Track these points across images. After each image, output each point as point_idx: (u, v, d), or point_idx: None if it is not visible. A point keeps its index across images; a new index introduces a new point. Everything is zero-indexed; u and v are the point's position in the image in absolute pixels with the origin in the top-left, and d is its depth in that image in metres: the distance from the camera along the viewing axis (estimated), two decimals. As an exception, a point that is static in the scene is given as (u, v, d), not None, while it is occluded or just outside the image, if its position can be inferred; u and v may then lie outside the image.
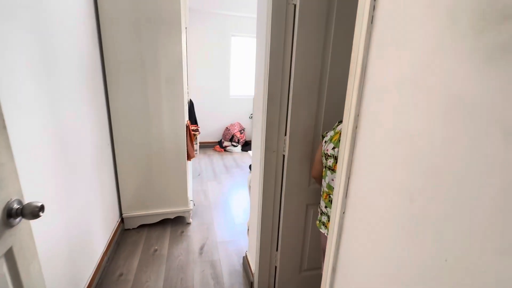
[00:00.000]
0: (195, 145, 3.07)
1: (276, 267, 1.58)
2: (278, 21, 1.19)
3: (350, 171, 0.60)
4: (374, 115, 0.52)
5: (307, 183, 1.41)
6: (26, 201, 0.71)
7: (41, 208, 0.69)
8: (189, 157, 2.45)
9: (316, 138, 1.34)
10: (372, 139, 0.52)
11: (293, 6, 1.18)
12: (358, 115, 0.57)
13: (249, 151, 2.36)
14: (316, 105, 1.29)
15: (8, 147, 0.66)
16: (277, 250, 1.54)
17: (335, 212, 0.67)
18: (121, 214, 2.14)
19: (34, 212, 0.69)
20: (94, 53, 1.68)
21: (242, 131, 4.85)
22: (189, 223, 2.32)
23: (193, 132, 2.97)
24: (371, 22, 0.52)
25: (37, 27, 1.04)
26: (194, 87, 4.48)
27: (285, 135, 1.34)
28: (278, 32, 1.20)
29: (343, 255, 0.64)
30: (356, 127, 0.57)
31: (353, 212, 0.60)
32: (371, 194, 0.53)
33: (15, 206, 0.67)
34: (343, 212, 0.63)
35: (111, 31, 1.75)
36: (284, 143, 1.35)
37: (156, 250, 1.95)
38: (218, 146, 4.79)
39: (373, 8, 0.51)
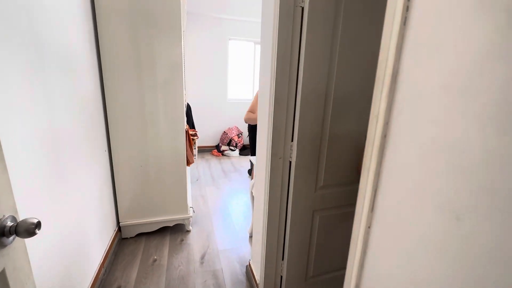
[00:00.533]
0: (194, 150, 3.01)
1: (281, 276, 1.53)
2: (285, 24, 1.15)
3: (377, 182, 0.56)
4: (407, 123, 0.48)
5: (313, 188, 1.36)
6: (20, 216, 0.65)
7: (38, 225, 0.63)
8: (188, 163, 2.38)
9: (323, 144, 1.30)
10: (406, 149, 0.48)
11: (300, 8, 1.15)
12: (387, 123, 0.53)
13: (249, 157, 2.32)
14: (323, 109, 1.25)
15: (1, 158, 0.60)
16: (282, 259, 1.49)
17: (358, 226, 0.62)
18: (118, 222, 2.06)
19: (30, 229, 0.62)
20: (91, 55, 1.62)
21: (240, 135, 4.80)
22: (188, 231, 2.25)
23: (191, 137, 2.91)
24: (404, 24, 0.48)
25: (30, 28, 0.98)
26: (191, 90, 4.42)
27: (292, 140, 1.30)
28: (285, 35, 1.16)
29: (369, 273, 0.60)
30: (385, 136, 0.53)
31: (381, 228, 0.56)
32: (404, 209, 0.49)
33: (9, 223, 0.60)
34: (368, 227, 0.59)
35: (108, 31, 1.70)
36: (291, 149, 1.31)
37: (155, 260, 1.87)
38: (215, 150, 4.73)
39: (406, 8, 0.47)
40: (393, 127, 0.52)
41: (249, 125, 2.81)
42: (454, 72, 0.40)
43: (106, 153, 1.86)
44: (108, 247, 1.78)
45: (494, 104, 0.35)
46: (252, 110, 2.40)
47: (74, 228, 1.31)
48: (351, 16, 1.15)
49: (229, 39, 4.53)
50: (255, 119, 2.48)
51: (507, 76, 0.33)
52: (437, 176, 0.43)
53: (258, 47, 4.82)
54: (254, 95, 2.43)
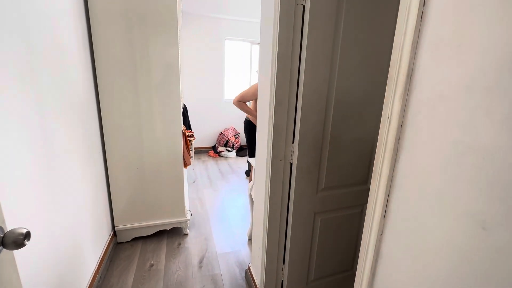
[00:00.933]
0: (191, 151, 2.96)
1: (282, 281, 1.50)
2: (286, 23, 1.12)
3: (390, 187, 0.53)
4: (425, 126, 0.45)
5: (315, 191, 1.34)
6: (8, 226, 0.61)
7: (27, 235, 0.59)
8: (185, 165, 2.34)
9: (325, 145, 1.27)
10: (425, 153, 0.45)
11: (301, 6, 1.12)
12: (401, 125, 0.50)
13: (247, 158, 2.29)
14: (324, 110, 1.23)
15: (-14, 165, 0.55)
16: (283, 263, 1.46)
17: (368, 233, 0.59)
18: (113, 227, 2.01)
19: (18, 240, 0.58)
20: (84, 55, 1.57)
21: (237, 135, 4.76)
22: (186, 234, 2.20)
23: (188, 138, 2.87)
24: (420, 20, 0.45)
25: (21, 28, 0.93)
26: (188, 91, 4.37)
27: (293, 142, 1.27)
28: (286, 34, 1.13)
29: (381, 283, 0.57)
30: (399, 139, 0.51)
31: (395, 235, 0.53)
32: (423, 217, 0.46)
33: (-5, 235, 0.56)
34: (380, 234, 0.56)
35: (102, 31, 1.65)
36: (292, 151, 1.28)
37: (152, 265, 1.83)
38: (212, 151, 4.68)
39: (423, 3, 0.44)
40: (408, 130, 0.49)
41: (246, 125, 2.76)
42: (479, 70, 0.37)
43: (101, 156, 1.80)
44: (103, 253, 1.73)
45: (526, 105, 0.32)
46: (244, 97, 2.37)
47: (67, 234, 1.26)
48: (354, 14, 1.13)
49: (226, 39, 4.49)
50: (247, 111, 2.45)
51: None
52: (460, 182, 0.40)
53: (255, 47, 4.79)
54: (251, 86, 2.38)
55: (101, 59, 1.68)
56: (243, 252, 2.03)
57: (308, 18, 1.10)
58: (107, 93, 1.74)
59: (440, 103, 0.43)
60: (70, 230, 1.28)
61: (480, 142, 0.37)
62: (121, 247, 1.98)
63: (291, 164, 1.30)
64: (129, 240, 2.05)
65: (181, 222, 2.16)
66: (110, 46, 1.68)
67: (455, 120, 0.41)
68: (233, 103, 2.43)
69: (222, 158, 4.54)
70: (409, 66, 0.47)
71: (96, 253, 1.64)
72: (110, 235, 1.93)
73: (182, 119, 2.09)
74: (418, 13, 0.45)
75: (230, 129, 4.76)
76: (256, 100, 2.43)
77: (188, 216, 2.20)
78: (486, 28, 0.36)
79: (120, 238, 2.02)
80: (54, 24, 1.21)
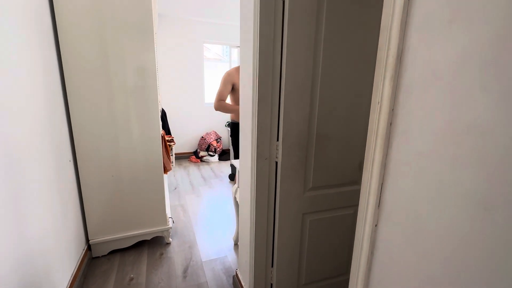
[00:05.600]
0: (171, 157, 2.85)
1: (271, 284, 1.45)
2: (266, 19, 1.10)
3: (383, 176, 0.51)
4: (419, 108, 0.44)
5: (302, 190, 1.31)
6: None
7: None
8: (165, 170, 2.24)
9: (311, 143, 1.26)
10: (419, 137, 0.44)
11: (281, 2, 1.11)
12: (393, 110, 0.48)
13: (230, 161, 2.23)
14: (309, 107, 1.21)
15: None
16: (272, 266, 1.41)
17: (362, 224, 0.57)
18: (87, 240, 1.85)
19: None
20: (48, 52, 1.44)
21: (219, 140, 4.68)
22: (168, 243, 2.09)
23: (168, 143, 2.75)
24: (408, -1, 0.44)
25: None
26: (166, 95, 4.23)
27: (277, 140, 1.24)
28: (267, 31, 1.11)
29: (378, 276, 0.54)
30: (391, 124, 0.49)
31: (391, 225, 0.51)
32: (420, 203, 0.44)
33: None
34: (375, 225, 0.54)
35: (71, 36, 1.53)
36: (277, 149, 1.25)
37: (132, 279, 1.70)
38: (194, 156, 4.55)
39: (410, -18, 0.43)
40: (400, 114, 0.47)
41: (231, 128, 2.69)
42: (473, 45, 0.36)
43: (71, 163, 1.66)
44: (75, 270, 1.58)
45: (524, 76, 0.31)
46: (221, 95, 2.27)
47: (34, 251, 1.12)
48: (336, 9, 1.12)
49: (204, 42, 4.43)
50: (231, 110, 2.35)
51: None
52: (459, 164, 0.38)
53: (234, 50, 4.77)
54: (221, 82, 2.29)
55: (69, 64, 1.56)
56: (230, 257, 1.96)
57: (287, 13, 1.08)
58: (76, 97, 1.62)
59: (433, 83, 0.41)
60: (37, 247, 1.15)
61: (477, 120, 0.36)
62: (97, 262, 1.83)
63: (277, 162, 1.27)
64: (106, 253, 1.90)
65: (162, 231, 2.04)
66: (78, 47, 1.56)
67: (450, 100, 0.39)
68: (215, 109, 2.33)
69: (204, 163, 4.43)
70: (398, 48, 0.46)
71: (68, 272, 1.49)
72: (84, 249, 1.78)
73: (160, 123, 2.00)
74: (405, -8, 0.44)
75: (211, 133, 4.67)
76: (233, 93, 2.35)
77: (170, 224, 2.09)
78: (478, 2, 0.35)
79: (96, 252, 1.87)
80: (12, 18, 1.09)
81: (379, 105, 0.50)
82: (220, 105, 2.29)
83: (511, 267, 0.33)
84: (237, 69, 2.23)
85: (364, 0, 1.16)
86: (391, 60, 0.47)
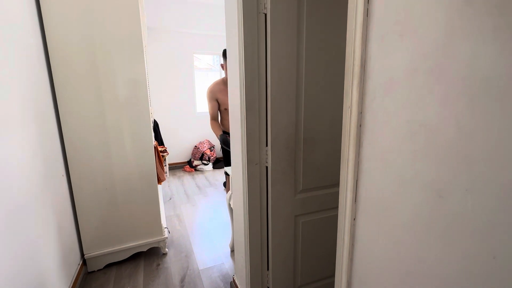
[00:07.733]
0: (164, 167, 2.86)
1: (268, 287, 1.47)
2: (250, 30, 1.16)
3: (357, 173, 0.56)
4: (381, 110, 0.49)
5: (293, 193, 1.35)
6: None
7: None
8: (159, 181, 2.25)
9: (299, 147, 1.31)
10: (383, 135, 0.49)
11: (263, 15, 1.18)
12: (361, 112, 0.53)
13: (224, 169, 2.26)
14: (295, 112, 1.27)
15: None
16: (268, 269, 1.44)
17: (343, 219, 0.61)
18: (82, 255, 1.84)
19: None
20: (40, 74, 1.47)
21: (212, 148, 4.70)
22: (165, 254, 2.09)
23: (161, 153, 2.77)
24: (367, 15, 0.50)
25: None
26: (158, 106, 4.26)
27: (266, 145, 1.29)
28: (251, 41, 1.17)
29: (359, 267, 0.59)
30: (360, 125, 0.54)
31: (366, 218, 0.55)
32: (388, 195, 0.49)
33: None
34: (353, 219, 0.58)
35: (61, 51, 1.57)
36: (266, 154, 1.29)
37: (129, 292, 1.69)
38: (188, 166, 4.56)
39: (367, 1, 0.49)
40: (367, 116, 0.52)
41: (220, 136, 2.71)
42: (419, 53, 0.41)
43: (64, 178, 1.67)
44: (71, 285, 1.57)
45: (460, 81, 0.37)
46: (212, 114, 2.28)
47: (27, 269, 1.13)
48: (315, 18, 1.19)
49: (194, 53, 4.50)
50: (218, 130, 2.33)
51: (469, 52, 0.35)
52: (417, 158, 0.43)
53: (224, 59, 4.85)
54: (207, 99, 2.28)
55: (60, 79, 1.59)
56: (227, 264, 1.97)
57: (269, 25, 1.15)
58: (68, 111, 1.64)
59: (391, 88, 0.47)
60: (31, 264, 1.16)
61: (427, 119, 0.41)
62: (93, 277, 1.82)
63: (267, 167, 1.31)
64: (102, 267, 1.89)
65: (158, 242, 2.04)
66: (68, 61, 1.60)
67: (406, 102, 0.45)
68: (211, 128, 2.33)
69: (198, 172, 4.44)
70: (361, 57, 0.51)
71: (63, 287, 1.48)
72: (79, 264, 1.77)
73: (153, 135, 2.03)
74: (364, 9, 0.50)
75: (204, 142, 4.70)
76: (224, 109, 2.36)
77: (166, 234, 2.10)
78: (422, 19, 0.41)
79: (91, 267, 1.86)
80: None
81: (349, 109, 0.56)
82: (211, 126, 2.29)
83: (464, 247, 0.38)
84: (217, 82, 2.27)
85: (342, 9, 1.24)
86: (357, 68, 0.53)
